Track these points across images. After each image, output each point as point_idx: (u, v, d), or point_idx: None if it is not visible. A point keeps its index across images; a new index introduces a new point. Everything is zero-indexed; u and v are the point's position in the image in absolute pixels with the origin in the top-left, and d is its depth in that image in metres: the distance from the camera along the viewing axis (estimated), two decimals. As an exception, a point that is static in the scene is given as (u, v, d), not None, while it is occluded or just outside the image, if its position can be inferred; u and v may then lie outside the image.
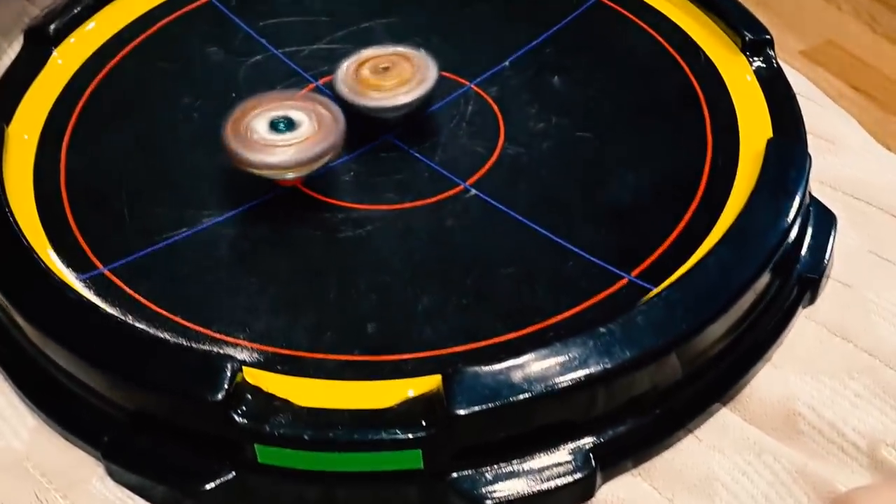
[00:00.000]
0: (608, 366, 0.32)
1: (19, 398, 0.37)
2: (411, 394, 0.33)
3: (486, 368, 0.32)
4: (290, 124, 0.40)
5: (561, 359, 0.32)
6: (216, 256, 0.38)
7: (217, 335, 0.35)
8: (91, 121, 0.44)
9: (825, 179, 0.44)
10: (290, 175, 0.40)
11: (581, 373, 0.32)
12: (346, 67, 0.43)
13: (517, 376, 0.32)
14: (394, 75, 0.42)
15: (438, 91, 0.45)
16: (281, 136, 0.40)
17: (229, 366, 0.32)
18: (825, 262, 0.39)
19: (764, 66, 0.45)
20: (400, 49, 0.44)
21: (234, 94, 0.45)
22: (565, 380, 0.32)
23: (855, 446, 0.34)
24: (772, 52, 0.45)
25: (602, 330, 0.33)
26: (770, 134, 0.41)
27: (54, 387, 0.36)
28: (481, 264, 0.38)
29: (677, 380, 0.34)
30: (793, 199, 0.37)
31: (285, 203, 0.41)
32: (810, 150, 0.41)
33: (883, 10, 1.28)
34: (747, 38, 0.45)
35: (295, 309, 0.36)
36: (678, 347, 0.33)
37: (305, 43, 0.48)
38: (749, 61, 0.45)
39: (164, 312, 0.36)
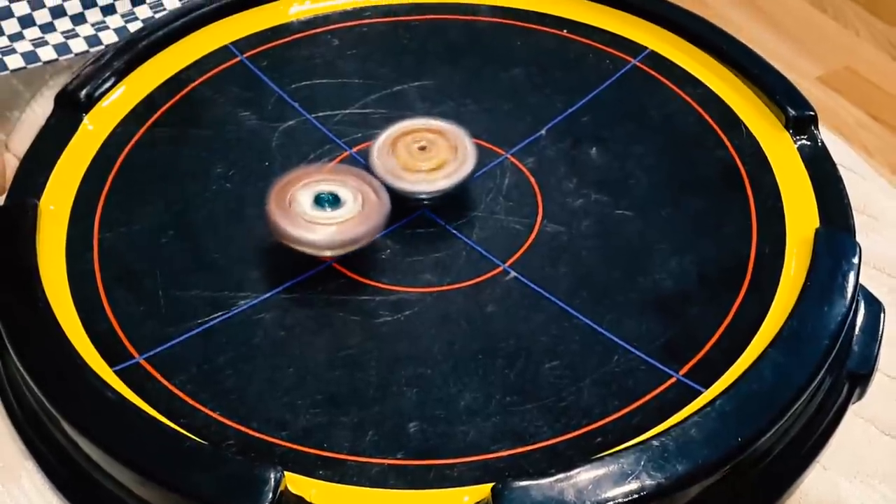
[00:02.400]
0: (662, 481, 0.31)
1: (53, 492, 0.36)
2: (466, 500, 0.32)
3: (535, 482, 0.31)
4: (336, 201, 0.39)
5: (612, 472, 0.31)
6: (252, 343, 0.38)
7: (257, 434, 0.34)
8: (123, 193, 0.43)
9: (869, 259, 0.43)
10: (328, 253, 0.39)
11: (634, 487, 0.31)
12: (381, 143, 0.42)
13: (569, 491, 0.31)
14: (431, 156, 0.41)
15: (477, 162, 0.45)
16: (324, 212, 0.39)
17: (272, 476, 0.31)
18: (875, 356, 0.38)
19: (808, 143, 0.44)
20: (437, 124, 0.43)
21: (266, 163, 0.45)
22: (618, 495, 0.31)
23: (908, 557, 0.34)
24: (816, 131, 0.44)
25: (655, 443, 0.32)
26: (817, 219, 0.41)
27: (89, 483, 0.35)
28: (524, 356, 0.37)
29: (729, 488, 0.34)
30: (845, 298, 0.36)
31: (321, 283, 0.40)
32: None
33: (902, 36, 1.27)
34: (791, 115, 0.44)
35: (335, 404, 0.35)
36: (734, 459, 0.32)
37: (339, 107, 0.47)
38: (793, 139, 0.44)
39: (203, 408, 0.35)
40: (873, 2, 1.33)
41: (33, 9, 0.51)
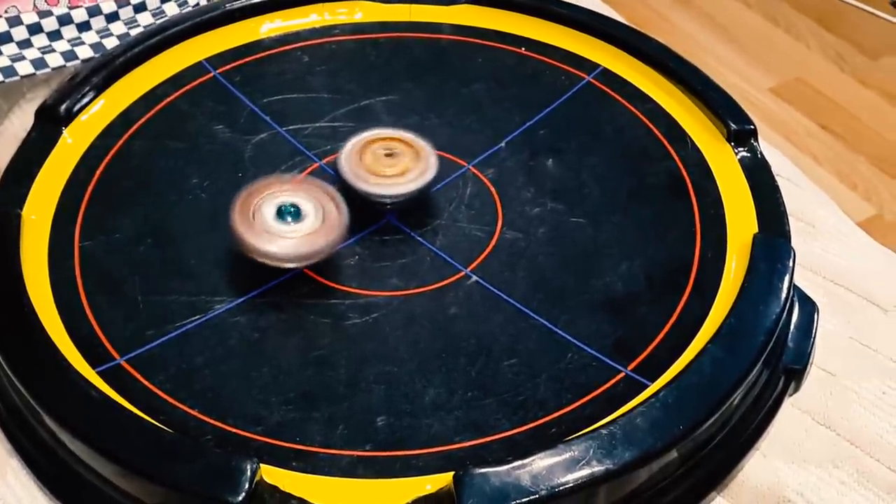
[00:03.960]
0: (610, 466, 0.34)
1: (38, 488, 0.38)
2: (428, 488, 0.34)
3: (494, 469, 0.34)
4: (297, 214, 0.41)
5: (565, 460, 0.34)
6: (228, 345, 0.40)
7: (233, 429, 0.36)
8: (102, 203, 0.45)
9: (806, 264, 0.47)
10: (290, 265, 0.41)
11: (584, 473, 0.34)
12: (350, 148, 0.45)
13: (525, 478, 0.33)
14: (396, 163, 0.44)
15: (438, 172, 0.47)
16: (286, 225, 0.41)
17: (249, 466, 0.33)
18: (809, 352, 0.41)
19: (748, 155, 0.47)
20: (403, 134, 0.46)
21: (240, 174, 0.47)
22: (570, 480, 0.34)
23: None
24: (756, 143, 0.47)
25: (604, 431, 0.35)
26: (755, 225, 0.44)
27: (74, 478, 0.37)
28: (484, 355, 0.40)
29: (675, 473, 0.36)
30: (780, 298, 0.39)
31: (294, 288, 0.42)
32: (791, 233, 0.43)
33: (851, 49, 1.32)
34: (732, 128, 0.47)
35: (307, 401, 0.38)
36: (676, 446, 0.35)
37: (308, 121, 0.50)
38: (734, 151, 0.47)
39: (181, 405, 0.37)
40: (824, 16, 1.38)
41: (11, 26, 0.53)
